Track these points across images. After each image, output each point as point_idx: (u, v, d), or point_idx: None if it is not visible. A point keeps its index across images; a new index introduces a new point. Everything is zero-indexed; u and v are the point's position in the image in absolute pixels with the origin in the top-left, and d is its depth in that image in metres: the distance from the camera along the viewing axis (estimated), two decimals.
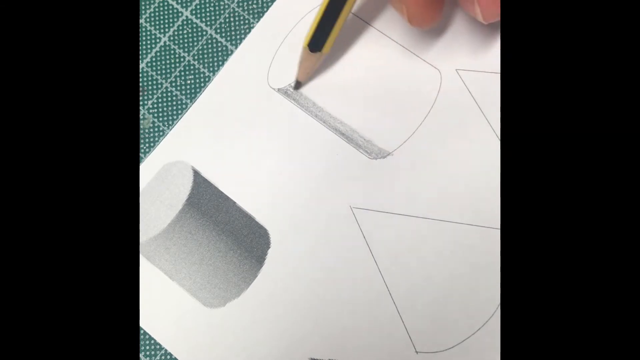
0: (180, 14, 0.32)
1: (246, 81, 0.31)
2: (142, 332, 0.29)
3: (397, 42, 0.30)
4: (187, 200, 0.30)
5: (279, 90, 0.31)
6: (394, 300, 0.27)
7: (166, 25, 0.32)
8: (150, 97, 0.32)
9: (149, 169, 0.30)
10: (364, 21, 0.31)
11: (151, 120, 0.31)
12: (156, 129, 0.31)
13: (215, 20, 0.32)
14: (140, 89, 0.32)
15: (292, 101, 0.30)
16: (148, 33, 0.32)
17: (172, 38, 0.32)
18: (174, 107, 0.31)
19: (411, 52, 0.30)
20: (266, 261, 0.29)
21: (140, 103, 0.31)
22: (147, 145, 0.31)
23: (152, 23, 0.32)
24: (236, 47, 0.32)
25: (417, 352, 0.27)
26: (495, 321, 0.26)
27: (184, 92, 0.31)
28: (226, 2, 0.32)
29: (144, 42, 0.32)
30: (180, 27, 0.32)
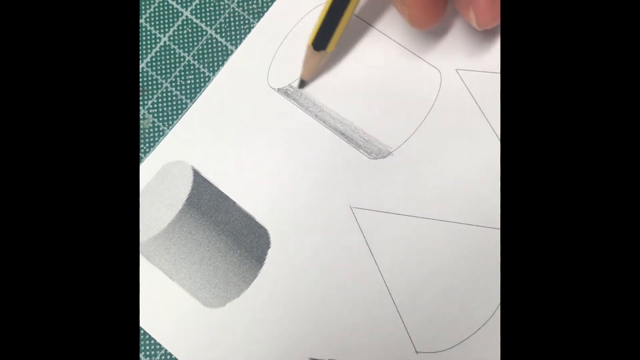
0: (180, 14, 0.32)
1: (246, 81, 0.31)
2: (142, 332, 0.29)
3: (397, 42, 0.30)
4: (187, 200, 0.30)
5: (279, 90, 0.31)
6: (394, 300, 0.27)
7: (166, 25, 0.32)
8: (150, 97, 0.32)
9: (149, 169, 0.30)
10: (364, 21, 0.31)
11: (151, 120, 0.31)
12: (156, 129, 0.31)
13: (215, 20, 0.32)
14: (140, 89, 0.32)
15: (292, 101, 0.30)
16: (148, 33, 0.32)
17: (172, 38, 0.32)
18: (174, 107, 0.31)
19: (411, 52, 0.30)
20: (266, 261, 0.29)
21: (140, 103, 0.31)
22: (147, 145, 0.31)
23: (152, 23, 0.32)
24: (236, 47, 0.32)
25: (417, 352, 0.27)
26: (495, 321, 0.26)
27: (184, 92, 0.31)
28: (226, 2, 0.32)
29: (144, 42, 0.32)
30: (180, 27, 0.32)
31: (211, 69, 0.32)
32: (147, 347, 0.28)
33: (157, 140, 0.31)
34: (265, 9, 0.32)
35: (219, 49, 0.32)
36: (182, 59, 0.32)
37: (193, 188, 0.30)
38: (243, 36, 0.32)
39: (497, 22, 0.27)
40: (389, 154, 0.29)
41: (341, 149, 0.29)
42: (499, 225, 0.27)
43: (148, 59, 0.32)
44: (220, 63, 0.32)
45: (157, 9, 0.33)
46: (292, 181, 0.29)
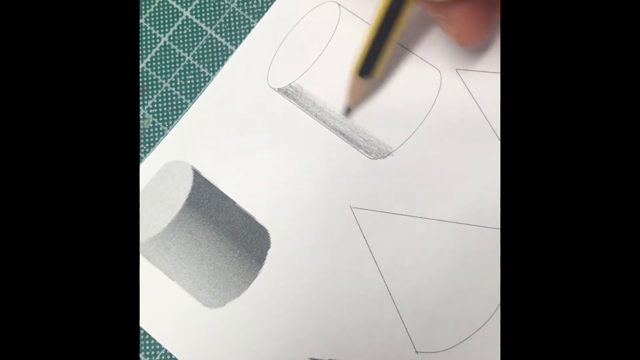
0: (180, 14, 0.32)
1: (246, 81, 0.31)
2: (142, 332, 0.29)
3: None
4: (187, 200, 0.30)
5: (279, 90, 0.31)
6: (394, 300, 0.27)
7: (166, 25, 0.32)
8: (150, 97, 0.32)
9: (149, 169, 0.30)
10: (364, 21, 0.31)
11: (151, 120, 0.31)
12: (156, 129, 0.31)
13: (215, 20, 0.32)
14: (140, 89, 0.32)
15: (292, 101, 0.30)
16: (148, 33, 0.32)
17: (172, 38, 0.32)
18: (174, 107, 0.31)
19: (411, 52, 0.30)
20: (266, 261, 0.29)
21: (140, 103, 0.31)
22: (147, 145, 0.31)
23: (152, 23, 0.32)
24: (236, 47, 0.32)
25: (417, 352, 0.27)
26: (495, 321, 0.26)
27: (184, 92, 0.31)
28: (226, 2, 0.32)
29: (144, 42, 0.32)
30: (180, 27, 0.32)
31: (211, 69, 0.32)
32: (147, 347, 0.28)
33: (157, 140, 0.31)
34: (265, 9, 0.32)
35: (219, 49, 0.32)
36: (182, 59, 0.32)
37: (193, 188, 0.30)
38: (243, 36, 0.32)
39: (480, 39, 0.27)
40: (389, 154, 0.29)
41: (341, 149, 0.29)
42: (499, 225, 0.27)
43: (148, 59, 0.32)
44: (220, 63, 0.32)
45: (157, 9, 0.33)
46: (292, 181, 0.29)
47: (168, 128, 0.31)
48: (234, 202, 0.29)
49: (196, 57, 0.32)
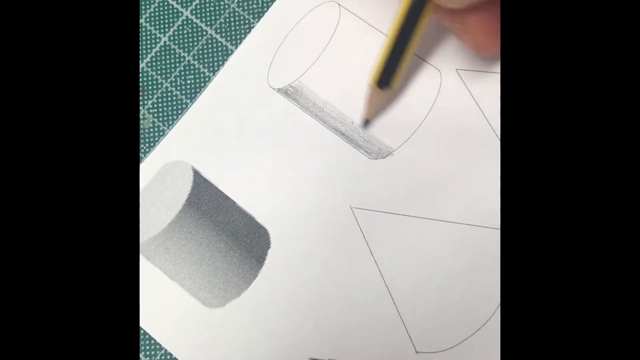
0: (180, 14, 0.32)
1: (246, 81, 0.31)
2: (142, 332, 0.29)
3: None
4: (187, 200, 0.30)
5: (279, 90, 0.31)
6: (394, 300, 0.27)
7: (166, 25, 0.32)
8: (150, 97, 0.32)
9: (149, 169, 0.30)
10: (364, 21, 0.31)
11: (151, 120, 0.31)
12: (156, 129, 0.31)
13: (215, 20, 0.32)
14: (140, 89, 0.32)
15: (292, 101, 0.30)
16: (148, 33, 0.32)
17: (172, 38, 0.32)
18: (174, 107, 0.31)
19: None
20: (266, 261, 0.29)
21: (140, 103, 0.31)
22: (147, 145, 0.31)
23: (152, 23, 0.32)
24: (236, 47, 0.32)
25: (417, 352, 0.27)
26: (495, 321, 0.26)
27: (184, 92, 0.31)
28: (226, 2, 0.32)
29: (144, 42, 0.32)
30: (180, 27, 0.32)
31: (211, 69, 0.32)
32: (147, 347, 0.28)
33: (157, 140, 0.31)
34: (265, 9, 0.32)
35: (219, 49, 0.32)
36: (182, 59, 0.32)
37: (193, 188, 0.30)
38: (243, 36, 0.32)
39: (498, 47, 0.27)
40: (389, 154, 0.29)
41: (341, 149, 0.29)
42: (499, 225, 0.27)
43: (148, 59, 0.32)
44: (220, 63, 0.32)
45: (157, 9, 0.33)
46: (292, 181, 0.29)
47: (168, 128, 0.31)
48: (234, 202, 0.29)
49: (196, 57, 0.32)
